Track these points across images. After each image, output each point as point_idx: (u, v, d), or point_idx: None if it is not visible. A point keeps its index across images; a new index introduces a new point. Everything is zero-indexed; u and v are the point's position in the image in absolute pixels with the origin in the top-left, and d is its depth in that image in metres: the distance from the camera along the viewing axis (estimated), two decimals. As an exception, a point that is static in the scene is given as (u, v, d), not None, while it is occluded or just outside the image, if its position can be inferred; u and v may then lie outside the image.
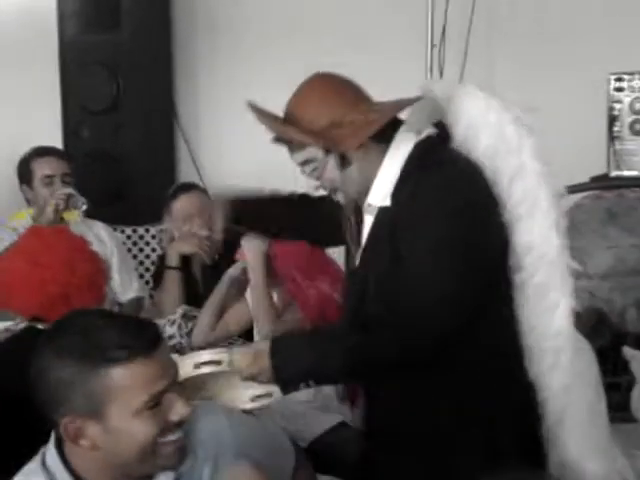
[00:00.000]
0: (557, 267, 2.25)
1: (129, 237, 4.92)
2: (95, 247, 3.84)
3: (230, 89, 5.28)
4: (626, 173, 4.19)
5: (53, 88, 5.10)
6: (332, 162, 2.27)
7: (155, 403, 1.70)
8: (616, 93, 4.15)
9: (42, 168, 4.07)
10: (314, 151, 2.28)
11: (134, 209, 5.03)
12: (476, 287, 2.14)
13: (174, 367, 1.79)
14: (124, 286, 4.08)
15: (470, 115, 2.23)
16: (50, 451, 1.77)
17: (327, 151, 2.27)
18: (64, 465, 1.74)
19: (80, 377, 1.66)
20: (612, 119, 4.18)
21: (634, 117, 4.14)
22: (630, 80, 4.13)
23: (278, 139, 2.40)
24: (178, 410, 1.73)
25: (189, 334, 3.40)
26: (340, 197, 2.34)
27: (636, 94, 4.13)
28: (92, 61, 4.99)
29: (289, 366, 2.13)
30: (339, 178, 2.29)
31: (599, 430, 2.53)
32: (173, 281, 3.70)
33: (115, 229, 4.53)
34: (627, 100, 4.14)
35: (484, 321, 2.20)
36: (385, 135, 2.26)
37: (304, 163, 2.32)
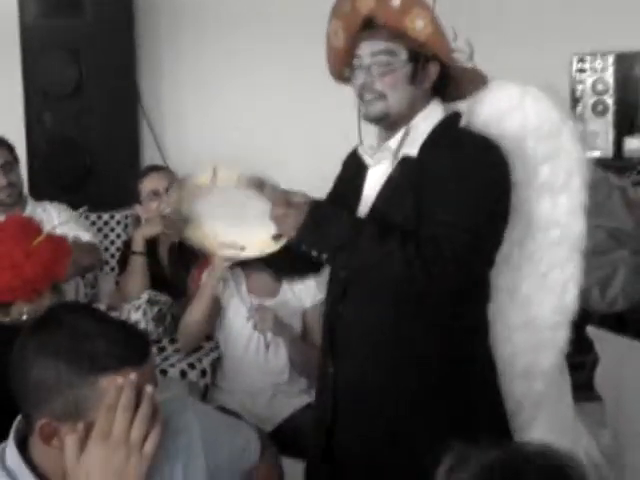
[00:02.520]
0: (575, 248, 2.32)
1: (94, 223, 4.89)
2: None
3: (194, 73, 5.26)
4: (588, 154, 4.21)
5: (14, 73, 5.05)
6: (406, 71, 2.24)
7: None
8: (578, 74, 4.18)
9: None
10: (399, 49, 2.24)
11: (98, 195, 4.99)
12: (498, 242, 2.21)
13: (157, 378, 1.77)
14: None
15: (500, 103, 2.30)
16: (10, 449, 1.70)
17: (412, 58, 2.24)
18: (27, 465, 1.67)
19: (66, 382, 1.60)
20: (575, 100, 4.21)
21: (596, 98, 4.18)
22: (592, 61, 4.16)
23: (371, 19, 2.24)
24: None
25: (154, 319, 3.39)
26: (372, 108, 2.26)
27: (598, 75, 4.16)
28: (54, 45, 4.94)
29: (322, 223, 2.13)
30: (400, 88, 2.24)
31: (563, 409, 2.55)
32: (139, 266, 3.68)
33: (80, 215, 4.49)
34: (589, 81, 4.17)
35: (477, 290, 2.26)
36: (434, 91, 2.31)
37: (381, 53, 2.24)
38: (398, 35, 2.21)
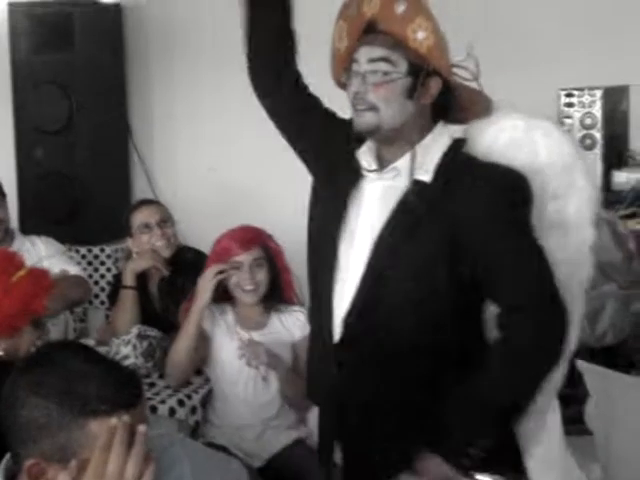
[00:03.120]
0: (582, 287, 2.28)
1: (84, 257, 4.89)
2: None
3: (184, 107, 5.28)
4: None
5: (5, 108, 5.06)
6: (404, 84, 2.15)
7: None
8: (566, 108, 4.20)
9: None
10: (399, 59, 2.15)
11: (89, 229, 5.01)
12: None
13: (147, 416, 1.76)
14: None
15: (504, 134, 2.22)
16: None
17: (412, 70, 2.15)
18: None
19: (56, 423, 1.59)
20: (563, 134, 4.23)
21: (584, 132, 4.19)
22: (580, 96, 4.18)
23: (374, 22, 2.17)
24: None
25: (144, 354, 3.38)
26: (362, 119, 2.18)
27: (586, 109, 4.18)
28: (45, 80, 4.96)
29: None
30: (395, 102, 2.16)
31: (554, 443, 2.55)
32: (128, 300, 3.67)
33: (70, 249, 4.49)
34: (577, 115, 4.19)
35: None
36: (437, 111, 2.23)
37: (380, 60, 2.15)
38: (399, 44, 2.14)
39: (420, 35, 2.12)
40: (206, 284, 3.19)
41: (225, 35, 5.23)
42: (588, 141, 4.19)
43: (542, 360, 2.13)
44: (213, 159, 5.11)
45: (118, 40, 5.17)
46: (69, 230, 4.75)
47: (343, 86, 2.28)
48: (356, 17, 2.19)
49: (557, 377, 2.32)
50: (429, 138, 2.21)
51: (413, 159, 2.18)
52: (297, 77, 2.42)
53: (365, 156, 2.27)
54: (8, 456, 1.71)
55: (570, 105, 4.20)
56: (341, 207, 2.26)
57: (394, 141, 2.22)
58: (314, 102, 2.43)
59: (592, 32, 4.46)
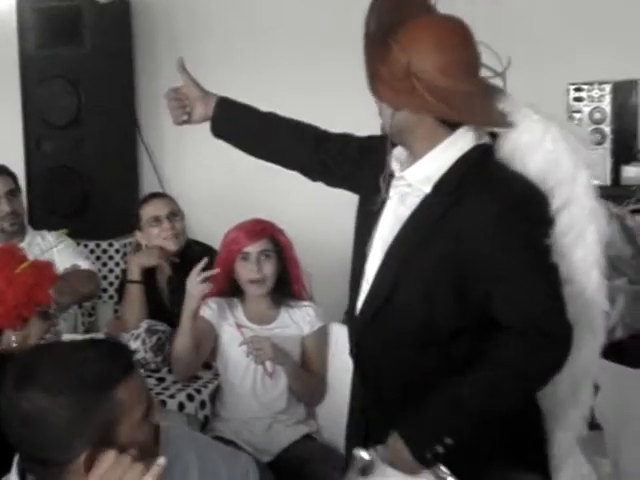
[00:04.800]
0: (592, 304, 2.21)
1: (92, 251, 4.90)
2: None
3: (192, 102, 5.27)
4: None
5: (13, 102, 5.07)
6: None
7: (147, 412, 1.73)
8: (575, 103, 4.19)
9: None
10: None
11: (97, 223, 5.01)
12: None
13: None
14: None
15: (522, 137, 2.14)
16: None
17: None
18: None
19: (87, 409, 1.64)
20: (572, 129, 4.23)
21: (594, 127, 4.19)
22: (589, 90, 4.18)
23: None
24: (157, 414, 1.77)
25: (153, 348, 3.38)
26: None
27: (595, 104, 4.17)
28: (53, 75, 4.98)
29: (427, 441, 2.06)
30: (383, 110, 2.16)
31: (564, 438, 2.54)
32: (135, 295, 3.67)
33: (78, 243, 4.50)
34: (586, 110, 4.19)
35: None
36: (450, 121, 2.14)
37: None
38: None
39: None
40: (192, 289, 3.17)
41: (233, 28, 5.26)
42: (597, 136, 4.19)
43: (526, 379, 2.08)
44: (221, 152, 5.10)
45: (126, 34, 5.18)
46: (77, 224, 4.74)
47: None
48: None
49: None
50: (440, 147, 2.14)
51: (417, 169, 2.16)
52: (336, 153, 2.44)
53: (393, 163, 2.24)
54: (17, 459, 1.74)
55: (579, 100, 4.19)
56: (372, 218, 2.26)
57: (407, 149, 2.20)
58: (353, 150, 2.42)
59: (601, 27, 4.45)
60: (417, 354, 2.18)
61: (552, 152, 2.15)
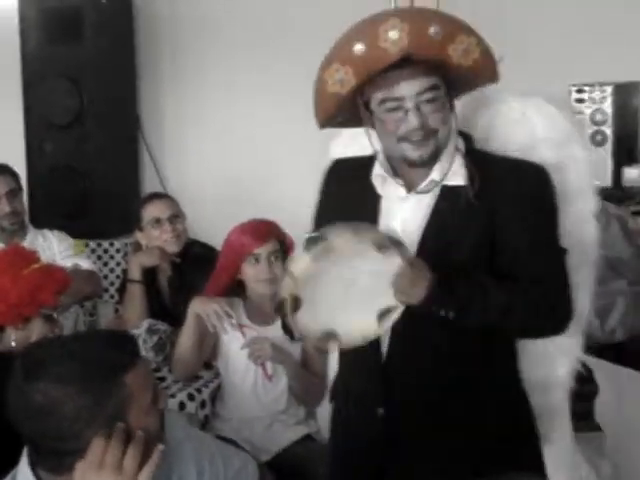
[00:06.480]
0: (585, 256, 2.32)
1: (94, 251, 4.90)
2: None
3: (194, 101, 5.28)
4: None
5: (15, 101, 5.08)
6: (446, 100, 2.13)
7: (154, 398, 1.76)
8: (577, 104, 4.19)
9: None
10: (440, 81, 2.11)
11: (99, 223, 5.02)
12: None
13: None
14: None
15: (500, 116, 2.28)
16: (23, 474, 1.76)
17: (447, 85, 2.13)
18: None
19: (97, 398, 1.67)
20: (573, 130, 4.22)
21: (595, 128, 4.19)
22: (591, 92, 4.17)
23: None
24: (163, 400, 1.82)
25: (154, 348, 3.39)
26: (424, 149, 2.12)
27: (597, 105, 4.17)
28: (55, 74, 4.98)
29: (452, 282, 2.05)
30: (447, 120, 2.14)
31: (563, 439, 2.55)
32: (136, 295, 3.68)
33: (87, 245, 4.51)
34: (588, 111, 4.18)
35: None
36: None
37: (427, 90, 2.09)
38: (439, 67, 2.11)
39: (463, 51, 2.10)
40: (208, 306, 3.22)
41: (235, 29, 5.26)
42: (598, 137, 4.19)
43: (537, 313, 2.13)
44: (223, 153, 5.11)
45: (128, 33, 5.19)
46: (79, 224, 4.76)
47: (336, 124, 2.27)
48: (369, 57, 2.10)
49: (574, 342, 2.38)
50: (452, 142, 2.19)
51: (448, 168, 2.17)
52: None
53: (385, 179, 2.23)
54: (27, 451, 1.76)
55: (581, 101, 4.19)
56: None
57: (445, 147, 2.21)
58: None
59: (603, 28, 4.45)
60: (454, 339, 2.17)
61: (540, 120, 2.29)
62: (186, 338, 3.24)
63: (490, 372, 2.21)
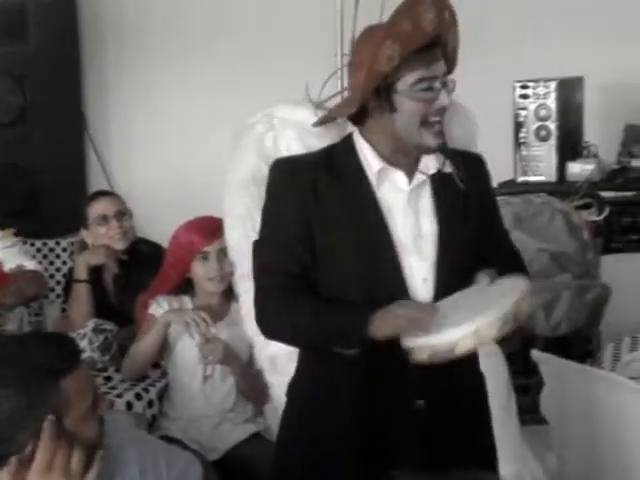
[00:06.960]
0: None
1: (39, 250, 4.86)
2: None
3: (139, 98, 5.26)
4: (532, 178, 4.28)
5: (-42, 99, 5.01)
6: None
7: (94, 404, 1.74)
8: (521, 100, 4.23)
9: None
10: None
11: (44, 221, 4.97)
12: None
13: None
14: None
15: None
16: None
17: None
18: None
19: (33, 401, 1.65)
20: (518, 126, 4.26)
21: (539, 123, 4.23)
22: (535, 87, 4.21)
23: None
24: (103, 406, 1.79)
25: (100, 347, 3.37)
26: (441, 135, 2.15)
27: (541, 101, 4.21)
28: (-2, 72, 4.92)
29: None
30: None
31: (510, 432, 2.57)
32: (82, 294, 3.65)
33: (25, 242, 4.45)
34: (532, 107, 4.22)
35: None
36: None
37: (447, 72, 2.15)
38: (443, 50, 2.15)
39: (454, 39, 2.17)
40: (183, 316, 3.21)
41: (181, 27, 5.24)
42: (543, 132, 4.23)
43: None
44: (169, 150, 5.09)
45: (73, 31, 5.14)
46: (24, 223, 4.69)
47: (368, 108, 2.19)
48: (413, 35, 2.07)
49: (497, 366, 2.37)
50: None
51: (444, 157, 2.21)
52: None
53: (394, 174, 2.21)
54: None
55: (525, 97, 4.23)
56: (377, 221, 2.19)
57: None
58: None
59: (547, 24, 4.50)
60: None
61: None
62: (150, 343, 3.22)
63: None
